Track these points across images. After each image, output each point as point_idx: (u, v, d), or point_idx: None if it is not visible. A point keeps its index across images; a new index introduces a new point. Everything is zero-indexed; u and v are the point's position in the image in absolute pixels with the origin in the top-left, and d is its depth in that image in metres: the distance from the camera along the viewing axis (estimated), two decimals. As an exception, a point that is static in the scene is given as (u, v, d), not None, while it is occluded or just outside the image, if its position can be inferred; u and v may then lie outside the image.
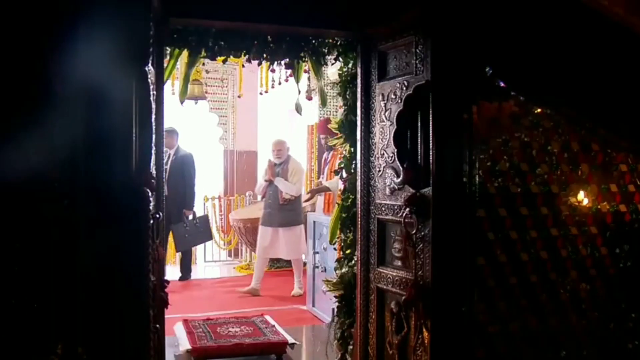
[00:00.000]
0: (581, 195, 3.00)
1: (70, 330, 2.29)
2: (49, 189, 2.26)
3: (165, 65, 3.18)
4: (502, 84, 2.81)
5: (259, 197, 7.24)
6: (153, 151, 2.52)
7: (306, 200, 6.89)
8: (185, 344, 4.28)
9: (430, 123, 2.72)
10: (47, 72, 2.24)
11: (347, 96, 3.48)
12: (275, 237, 6.90)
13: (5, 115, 2.24)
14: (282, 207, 6.83)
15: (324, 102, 4.15)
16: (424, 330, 2.77)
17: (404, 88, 2.87)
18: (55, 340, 2.27)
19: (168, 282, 2.73)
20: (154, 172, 2.54)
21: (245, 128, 9.58)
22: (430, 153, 2.72)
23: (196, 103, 7.69)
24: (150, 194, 2.38)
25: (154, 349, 2.57)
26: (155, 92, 2.65)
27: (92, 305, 2.31)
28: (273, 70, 5.40)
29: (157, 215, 2.55)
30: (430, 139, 2.72)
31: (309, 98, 4.56)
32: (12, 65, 2.25)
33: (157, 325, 2.65)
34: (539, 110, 2.94)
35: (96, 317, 2.31)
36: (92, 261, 2.30)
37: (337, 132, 3.62)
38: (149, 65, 2.50)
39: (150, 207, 2.40)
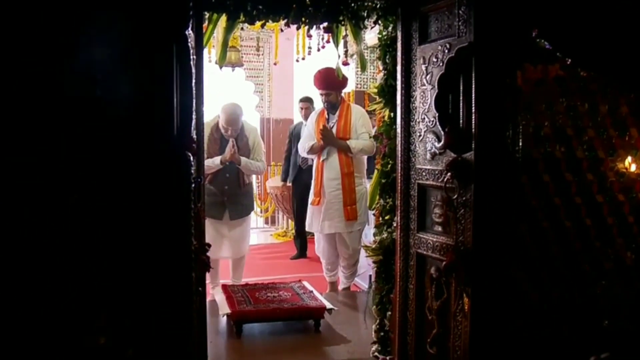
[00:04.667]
0: (629, 160, 2.91)
1: (114, 293, 2.33)
2: (90, 155, 2.28)
3: (203, 30, 3.17)
4: (547, 46, 2.72)
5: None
6: (193, 116, 2.53)
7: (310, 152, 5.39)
8: (224, 308, 4.33)
9: (473, 86, 2.66)
10: (90, 36, 2.26)
11: (387, 60, 3.42)
12: (227, 232, 5.25)
13: (51, 81, 2.27)
14: (243, 193, 5.30)
15: (363, 67, 4.09)
16: (464, 296, 2.76)
17: (446, 51, 2.80)
18: (99, 307, 2.32)
19: (209, 245, 2.76)
20: (194, 136, 2.55)
21: (281, 96, 9.58)
22: (473, 117, 2.67)
23: (233, 70, 7.67)
24: (191, 158, 2.39)
25: (196, 311, 2.62)
26: (194, 57, 2.64)
27: (135, 269, 2.35)
28: (310, 36, 5.34)
29: (199, 179, 2.57)
30: (473, 102, 2.66)
31: (346, 63, 4.48)
32: (54, 30, 2.27)
33: (200, 288, 2.69)
34: (585, 73, 2.85)
35: (139, 280, 2.35)
36: (135, 225, 2.34)
37: (377, 96, 3.57)
38: (189, 29, 2.50)
39: (192, 171, 2.41)
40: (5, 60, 2.20)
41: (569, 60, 2.75)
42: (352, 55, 4.40)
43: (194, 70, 2.54)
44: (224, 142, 5.15)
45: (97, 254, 2.30)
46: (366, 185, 5.30)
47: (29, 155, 2.23)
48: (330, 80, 5.24)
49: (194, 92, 2.53)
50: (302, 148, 5.66)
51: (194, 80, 2.55)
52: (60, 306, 2.29)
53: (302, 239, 7.48)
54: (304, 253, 7.46)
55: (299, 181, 6.97)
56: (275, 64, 8.44)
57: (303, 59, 6.49)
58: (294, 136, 7.03)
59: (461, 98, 2.74)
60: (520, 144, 2.75)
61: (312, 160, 5.98)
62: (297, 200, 7.20)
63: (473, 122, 2.67)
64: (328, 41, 5.51)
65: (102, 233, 2.30)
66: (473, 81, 2.66)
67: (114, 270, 2.32)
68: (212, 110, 5.47)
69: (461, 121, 2.74)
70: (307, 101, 7.11)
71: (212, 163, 5.02)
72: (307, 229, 5.86)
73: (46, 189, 2.26)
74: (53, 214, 2.26)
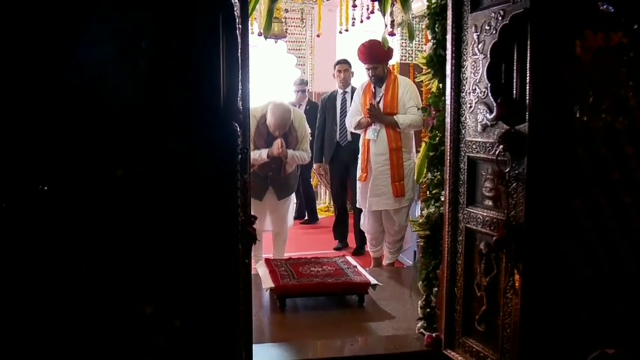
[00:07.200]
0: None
1: (160, 264, 2.33)
2: (133, 128, 2.26)
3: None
4: (610, 9, 2.57)
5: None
6: (240, 86, 2.49)
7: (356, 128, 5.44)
8: (268, 282, 4.33)
9: (528, 55, 2.54)
10: (135, 4, 2.23)
11: (436, 29, 3.32)
12: (270, 206, 5.30)
13: (92, 51, 2.24)
14: (286, 176, 5.27)
15: (411, 37, 3.97)
16: (515, 272, 2.68)
17: (500, 18, 2.69)
18: (145, 277, 2.32)
19: (255, 217, 2.74)
20: (240, 106, 2.51)
21: (323, 69, 9.47)
22: (527, 87, 2.55)
23: (276, 42, 7.62)
24: (237, 128, 2.36)
25: (242, 283, 2.60)
26: (240, 26, 2.59)
27: (181, 239, 2.34)
28: (355, 6, 5.26)
29: (245, 149, 2.54)
30: (527, 72, 2.55)
31: (392, 34, 4.37)
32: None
33: (246, 260, 2.68)
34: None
35: (185, 251, 2.34)
36: (181, 196, 2.32)
37: (425, 67, 3.47)
38: (234, -3, 2.45)
39: (238, 141, 2.38)
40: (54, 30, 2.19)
41: (636, 25, 2.59)
42: (399, 25, 4.30)
43: (239, 40, 2.49)
44: (271, 137, 5.04)
45: (143, 226, 2.30)
46: (414, 160, 5.17)
47: (75, 131, 2.23)
48: (376, 53, 5.10)
49: (239, 61, 2.48)
50: (349, 123, 5.57)
51: (239, 50, 2.50)
52: (106, 276, 2.30)
53: (343, 226, 6.80)
54: (345, 242, 6.78)
55: (338, 160, 6.39)
56: (318, 36, 8.35)
57: (346, 30, 6.39)
58: (328, 108, 6.51)
59: (515, 68, 2.62)
60: (578, 115, 2.63)
61: (352, 135, 5.90)
62: (335, 183, 6.59)
63: (527, 92, 2.55)
64: (372, 12, 5.42)
65: (148, 206, 2.29)
66: (528, 50, 2.54)
67: (160, 241, 2.32)
68: (254, 85, 5.41)
69: (514, 92, 2.63)
70: (345, 63, 6.54)
71: (258, 156, 4.96)
72: (357, 205, 5.76)
73: (92, 165, 2.25)
74: (99, 189, 2.26)
